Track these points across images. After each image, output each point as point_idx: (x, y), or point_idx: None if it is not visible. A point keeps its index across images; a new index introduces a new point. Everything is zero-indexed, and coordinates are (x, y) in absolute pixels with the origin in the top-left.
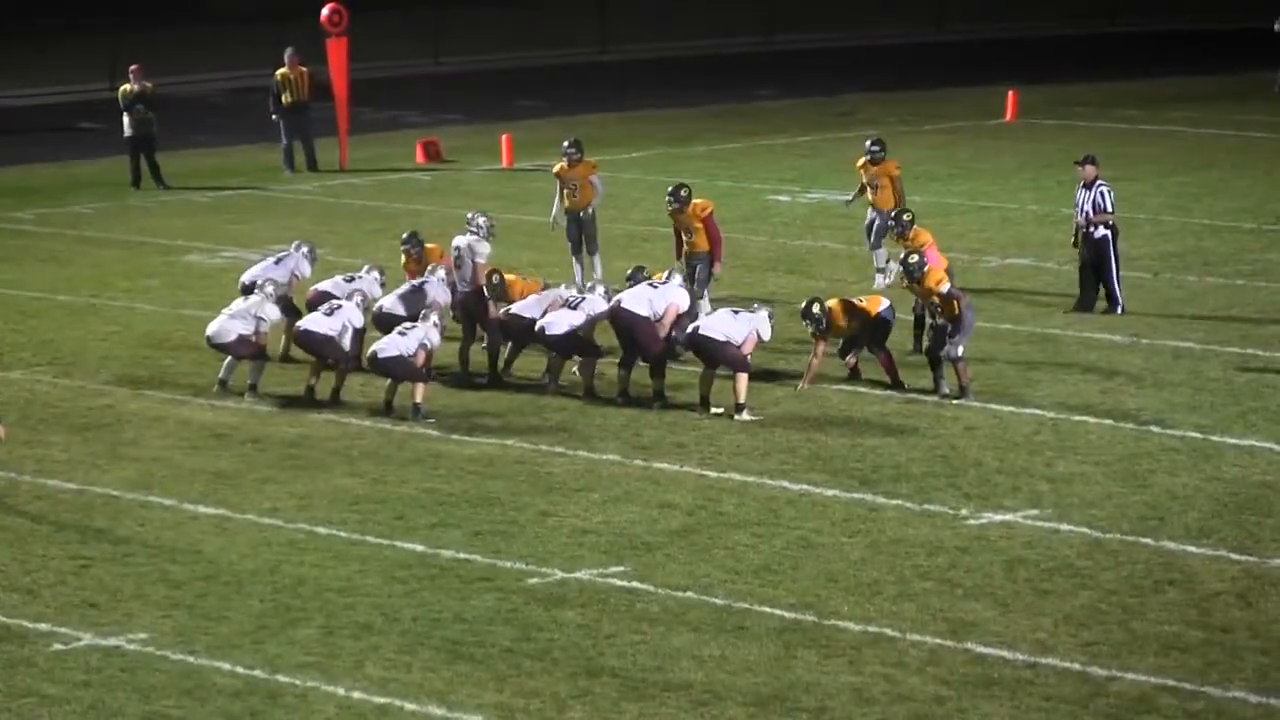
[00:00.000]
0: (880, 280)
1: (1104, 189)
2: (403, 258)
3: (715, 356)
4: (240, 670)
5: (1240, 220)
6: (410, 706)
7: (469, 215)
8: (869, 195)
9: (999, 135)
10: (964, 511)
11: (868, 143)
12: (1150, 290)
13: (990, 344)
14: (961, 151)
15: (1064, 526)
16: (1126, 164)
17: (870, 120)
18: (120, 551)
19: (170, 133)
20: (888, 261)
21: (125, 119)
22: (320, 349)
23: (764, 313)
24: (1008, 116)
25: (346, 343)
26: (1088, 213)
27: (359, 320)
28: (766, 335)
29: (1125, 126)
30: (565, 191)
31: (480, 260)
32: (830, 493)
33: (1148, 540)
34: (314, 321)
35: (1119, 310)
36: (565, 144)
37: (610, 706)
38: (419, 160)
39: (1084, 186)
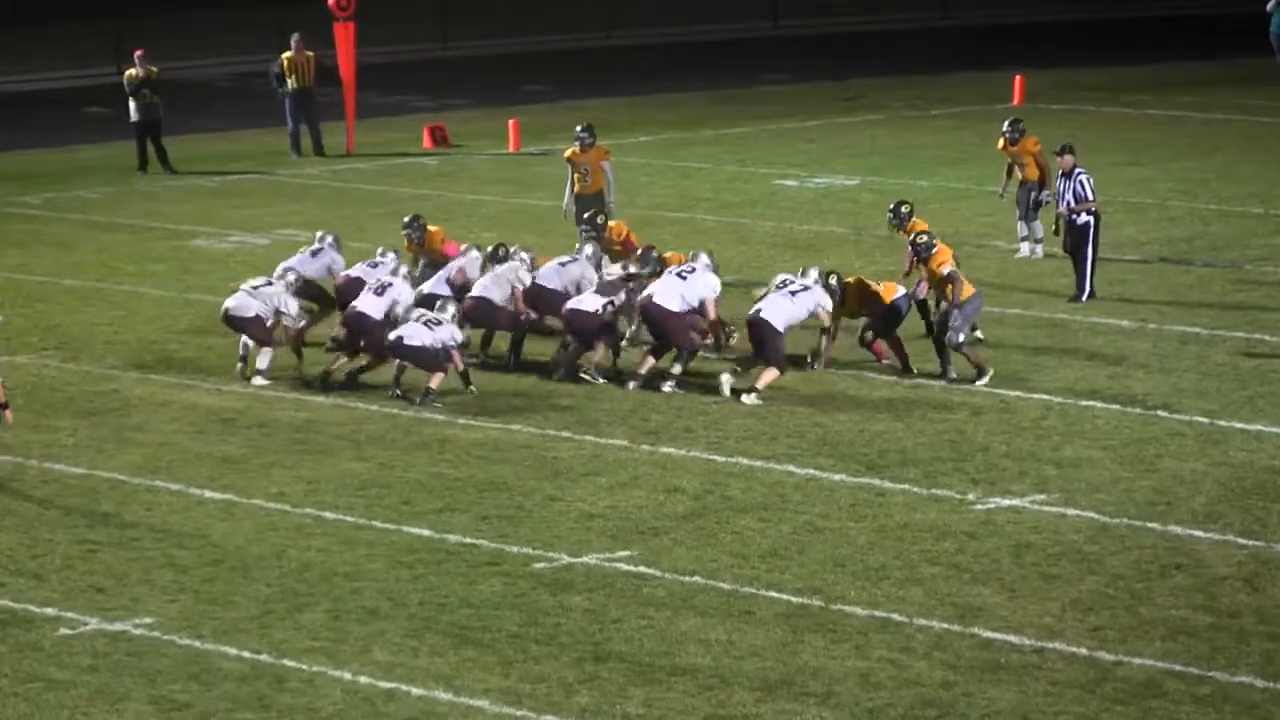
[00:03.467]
0: (1038, 250)
1: (1083, 177)
2: (404, 241)
3: (765, 343)
4: (247, 655)
5: (1247, 205)
6: (417, 691)
7: (513, 250)
8: (1018, 173)
9: (1007, 120)
10: (971, 496)
11: (1005, 125)
12: (1157, 275)
13: (997, 329)
14: (969, 136)
15: (1071, 511)
16: (1134, 149)
17: (877, 105)
18: (127, 536)
19: (176, 117)
20: (1039, 239)
21: (131, 104)
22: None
23: (818, 285)
24: (1015, 101)
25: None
26: (1069, 201)
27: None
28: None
29: (1132, 111)
30: (576, 176)
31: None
32: (837, 477)
33: (1155, 525)
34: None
35: (1084, 298)
36: (578, 128)
37: (617, 691)
38: (426, 145)
39: (1063, 176)
